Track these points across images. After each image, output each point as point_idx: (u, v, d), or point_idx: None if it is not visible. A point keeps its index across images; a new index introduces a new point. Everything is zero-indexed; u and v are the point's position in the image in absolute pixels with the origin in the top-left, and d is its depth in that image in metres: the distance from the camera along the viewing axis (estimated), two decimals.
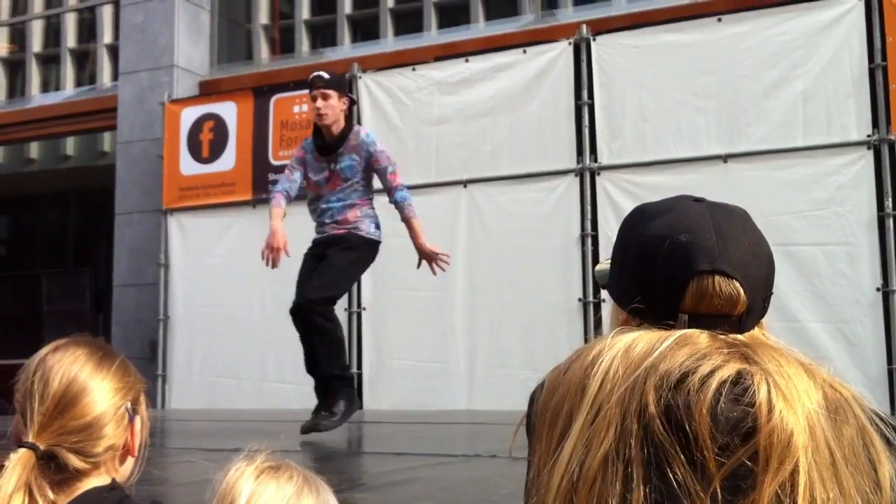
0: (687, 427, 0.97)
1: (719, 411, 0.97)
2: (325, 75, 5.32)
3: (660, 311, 1.11)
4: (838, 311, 6.62)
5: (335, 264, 5.19)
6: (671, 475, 0.96)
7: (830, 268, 6.67)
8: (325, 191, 5.27)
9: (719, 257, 1.10)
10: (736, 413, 0.98)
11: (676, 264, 1.10)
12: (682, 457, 0.97)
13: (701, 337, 1.06)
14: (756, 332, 1.13)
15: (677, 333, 1.05)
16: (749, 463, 0.96)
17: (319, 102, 5.21)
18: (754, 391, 0.99)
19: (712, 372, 1.00)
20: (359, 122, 8.17)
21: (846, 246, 6.67)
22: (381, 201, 5.51)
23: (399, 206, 5.24)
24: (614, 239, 1.24)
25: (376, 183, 5.38)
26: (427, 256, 5.26)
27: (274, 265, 5.09)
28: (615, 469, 0.98)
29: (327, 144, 5.26)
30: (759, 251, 1.14)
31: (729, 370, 1.01)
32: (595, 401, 1.01)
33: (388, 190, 5.27)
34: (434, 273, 5.33)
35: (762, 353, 1.05)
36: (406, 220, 5.25)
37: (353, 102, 5.45)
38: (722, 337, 1.07)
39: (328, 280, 5.16)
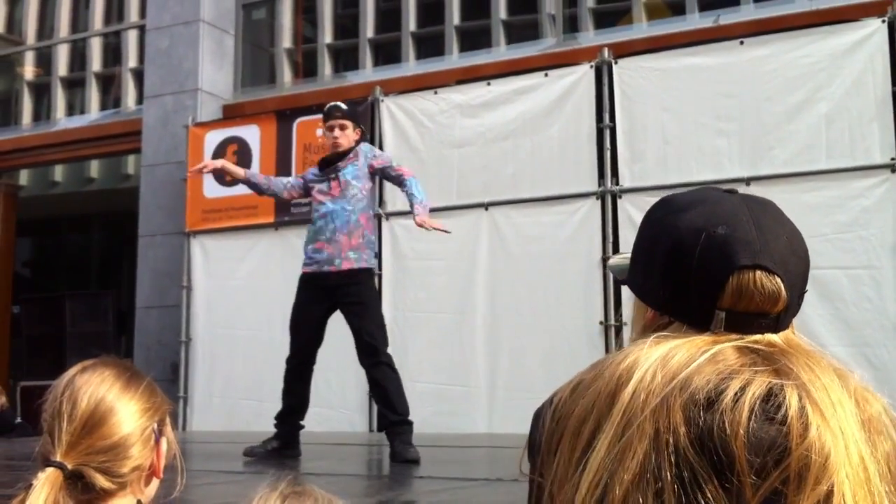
0: (720, 450, 0.92)
1: (751, 432, 0.93)
2: (343, 106, 5.57)
3: (693, 309, 1.06)
4: (862, 336, 6.56)
5: (373, 315, 5.37)
6: (703, 500, 0.92)
7: (854, 291, 6.62)
8: (330, 196, 5.39)
9: (760, 252, 1.04)
10: (770, 433, 0.93)
11: (715, 259, 1.04)
12: (715, 481, 0.92)
13: (728, 352, 1.01)
14: (789, 332, 1.08)
15: (713, 349, 1.00)
16: (779, 486, 0.91)
17: (337, 132, 5.43)
18: (787, 408, 0.94)
19: (743, 389, 0.95)
20: (380, 145, 8.26)
21: (870, 269, 6.62)
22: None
23: (410, 190, 5.32)
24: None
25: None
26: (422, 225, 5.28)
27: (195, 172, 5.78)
28: (648, 487, 0.93)
29: (328, 159, 5.49)
30: (797, 246, 1.09)
31: (758, 386, 0.96)
32: (627, 411, 0.96)
33: (398, 179, 5.44)
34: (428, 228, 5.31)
35: (796, 361, 1.00)
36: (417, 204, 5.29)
37: (363, 135, 5.70)
38: (753, 349, 1.02)
39: (381, 328, 5.38)
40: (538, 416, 1.11)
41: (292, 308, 5.48)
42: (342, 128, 5.44)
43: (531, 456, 1.11)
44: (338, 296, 5.31)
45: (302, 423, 5.58)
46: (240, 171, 5.72)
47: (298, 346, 5.42)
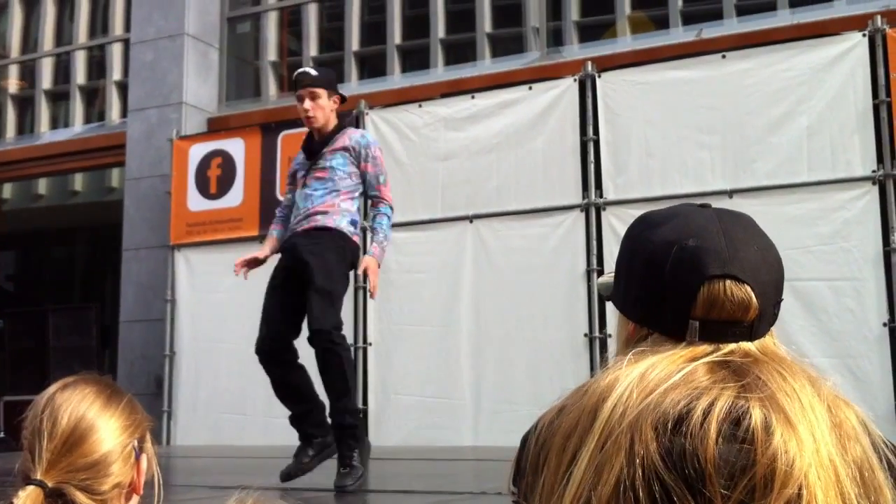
0: (691, 468, 0.94)
1: (719, 453, 0.94)
2: (313, 71, 4.85)
3: (669, 320, 1.09)
4: (845, 347, 6.60)
5: (322, 286, 4.51)
6: None
7: (837, 303, 6.66)
8: (309, 181, 4.79)
9: (730, 261, 1.07)
10: (734, 453, 0.95)
11: (686, 270, 1.08)
12: (689, 496, 0.93)
13: (700, 370, 1.02)
14: (767, 340, 1.10)
15: (688, 368, 1.02)
16: (745, 498, 0.93)
17: (307, 103, 4.75)
18: (751, 422, 0.96)
19: (711, 406, 0.97)
20: None
21: (852, 281, 6.67)
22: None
23: (375, 221, 4.76)
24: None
25: None
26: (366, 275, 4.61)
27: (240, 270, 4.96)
28: (626, 501, 0.95)
29: (313, 146, 4.84)
30: (769, 256, 1.11)
31: (725, 402, 0.97)
32: (606, 425, 0.98)
33: (373, 200, 4.81)
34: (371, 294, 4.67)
35: (768, 370, 1.02)
36: (374, 241, 4.73)
37: (343, 100, 4.92)
38: (725, 364, 1.04)
39: (328, 303, 4.52)
40: (525, 441, 1.13)
41: None
42: (313, 97, 4.71)
43: (517, 479, 1.13)
44: (293, 257, 4.64)
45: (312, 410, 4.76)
46: (273, 243, 4.95)
47: (261, 335, 4.80)
